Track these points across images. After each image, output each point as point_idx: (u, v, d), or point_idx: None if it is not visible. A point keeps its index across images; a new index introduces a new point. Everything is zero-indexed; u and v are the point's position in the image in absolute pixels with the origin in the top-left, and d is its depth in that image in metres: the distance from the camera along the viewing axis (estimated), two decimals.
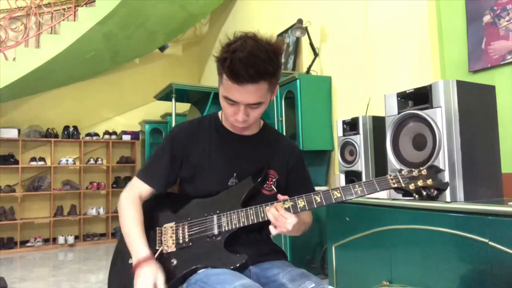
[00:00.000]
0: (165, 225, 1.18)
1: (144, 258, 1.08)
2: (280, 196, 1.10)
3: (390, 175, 1.07)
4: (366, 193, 1.06)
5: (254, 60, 0.99)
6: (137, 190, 1.21)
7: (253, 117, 1.12)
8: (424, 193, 1.05)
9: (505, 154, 1.73)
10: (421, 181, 1.04)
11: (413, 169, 1.07)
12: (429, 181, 1.04)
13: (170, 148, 1.21)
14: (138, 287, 1.03)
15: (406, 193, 1.11)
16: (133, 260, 1.09)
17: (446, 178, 1.50)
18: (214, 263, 1.09)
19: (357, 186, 1.07)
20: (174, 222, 1.18)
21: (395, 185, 1.06)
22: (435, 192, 1.05)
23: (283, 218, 1.04)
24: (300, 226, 1.13)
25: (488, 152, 1.61)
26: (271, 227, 1.06)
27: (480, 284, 1.38)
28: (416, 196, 1.06)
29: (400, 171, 1.08)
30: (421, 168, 1.06)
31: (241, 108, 1.08)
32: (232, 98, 1.06)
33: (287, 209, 1.06)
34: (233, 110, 1.10)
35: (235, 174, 1.19)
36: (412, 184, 1.05)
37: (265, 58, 1.01)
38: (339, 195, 1.07)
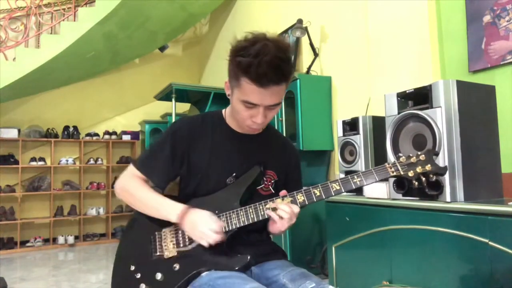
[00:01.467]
0: (164, 230, 1.16)
1: (184, 209, 1.10)
2: (282, 192, 1.10)
3: (388, 163, 1.05)
4: (365, 184, 1.04)
5: (279, 62, 1.00)
6: (136, 179, 1.18)
7: (270, 117, 1.12)
8: (424, 179, 1.03)
9: (505, 154, 1.73)
10: (419, 167, 1.02)
11: (411, 155, 1.05)
12: (428, 167, 1.02)
13: (172, 143, 1.17)
14: (202, 227, 1.05)
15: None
16: (173, 219, 1.10)
17: (446, 178, 1.50)
18: (217, 265, 1.08)
19: (355, 177, 1.05)
20: (173, 226, 1.15)
21: (394, 173, 1.04)
22: (434, 177, 1.03)
23: (295, 215, 1.06)
24: None
25: (488, 152, 1.61)
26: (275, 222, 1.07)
27: (480, 284, 1.38)
28: (416, 184, 1.04)
29: (398, 158, 1.05)
30: (419, 153, 1.04)
31: (260, 110, 1.07)
32: (253, 101, 1.05)
33: None
34: (251, 113, 1.09)
35: (234, 174, 1.18)
36: (411, 171, 1.03)
37: (286, 59, 1.03)
38: (338, 187, 1.05)
